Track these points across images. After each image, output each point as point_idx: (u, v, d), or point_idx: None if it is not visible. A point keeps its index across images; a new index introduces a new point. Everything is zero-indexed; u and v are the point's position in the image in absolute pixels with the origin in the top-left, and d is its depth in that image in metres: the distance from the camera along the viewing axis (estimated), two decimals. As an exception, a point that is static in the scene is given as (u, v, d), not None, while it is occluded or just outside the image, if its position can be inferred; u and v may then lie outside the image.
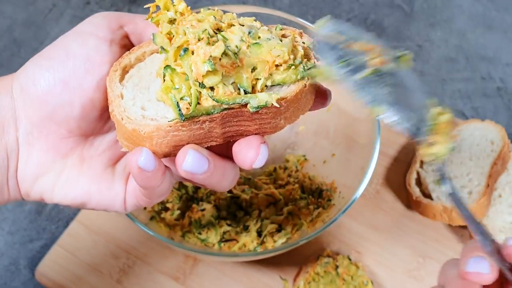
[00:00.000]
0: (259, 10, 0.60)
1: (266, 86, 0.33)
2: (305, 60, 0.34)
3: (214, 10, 0.34)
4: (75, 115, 0.34)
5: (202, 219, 0.58)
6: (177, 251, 0.62)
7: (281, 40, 0.33)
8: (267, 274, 0.61)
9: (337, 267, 0.58)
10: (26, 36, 0.85)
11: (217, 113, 0.32)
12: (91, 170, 0.36)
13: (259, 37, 0.33)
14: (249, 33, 0.33)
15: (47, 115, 0.33)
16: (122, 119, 0.32)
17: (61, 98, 0.33)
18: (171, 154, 0.33)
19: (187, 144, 0.32)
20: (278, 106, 0.32)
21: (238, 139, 0.33)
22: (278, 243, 0.57)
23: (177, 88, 0.32)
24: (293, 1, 0.92)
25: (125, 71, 0.35)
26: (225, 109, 0.32)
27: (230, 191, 0.60)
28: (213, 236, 0.57)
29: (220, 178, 0.34)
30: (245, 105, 0.32)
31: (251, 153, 0.32)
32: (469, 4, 0.90)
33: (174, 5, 0.34)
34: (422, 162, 0.66)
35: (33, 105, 0.33)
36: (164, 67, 0.32)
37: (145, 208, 0.58)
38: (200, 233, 0.58)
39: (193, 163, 0.31)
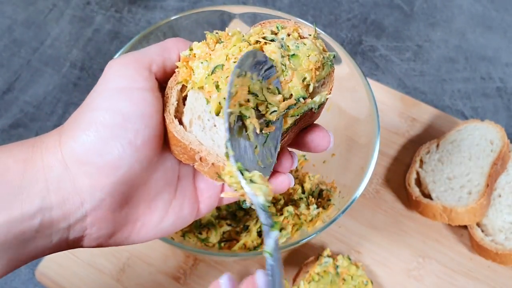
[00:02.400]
0: (259, 11, 0.60)
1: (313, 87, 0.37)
2: (322, 50, 0.37)
3: (236, 32, 0.36)
4: (146, 169, 0.35)
5: (202, 219, 0.58)
6: (177, 251, 0.62)
7: (304, 44, 0.36)
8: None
9: (337, 267, 0.58)
10: (26, 36, 0.85)
11: (293, 125, 0.36)
12: (161, 201, 0.37)
13: (288, 47, 0.36)
14: (282, 46, 0.35)
15: (121, 179, 0.33)
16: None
17: (131, 161, 0.33)
18: None
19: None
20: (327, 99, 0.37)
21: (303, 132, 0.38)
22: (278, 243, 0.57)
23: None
24: (293, 1, 0.92)
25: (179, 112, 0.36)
26: (297, 118, 0.36)
27: None
28: (213, 236, 0.57)
29: None
30: (310, 109, 0.36)
31: (327, 138, 0.38)
32: (469, 4, 0.91)
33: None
34: (421, 162, 0.67)
35: (102, 175, 0.33)
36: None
37: None
38: (200, 233, 0.58)
39: None
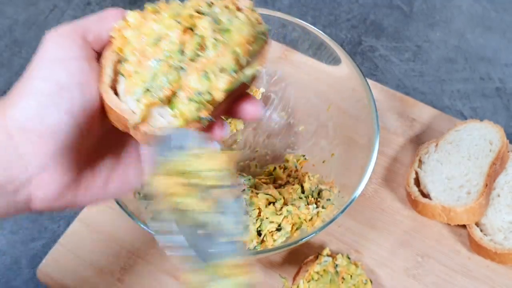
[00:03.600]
0: (258, 11, 0.60)
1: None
2: (257, 23, 0.37)
3: (173, 5, 0.36)
4: (86, 136, 0.36)
5: None
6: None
7: (237, 17, 0.36)
8: (267, 273, 0.61)
9: (336, 266, 0.59)
10: (27, 37, 0.85)
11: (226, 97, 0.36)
12: (104, 166, 0.38)
13: (220, 21, 0.36)
14: (214, 21, 0.35)
15: (61, 145, 0.35)
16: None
17: (69, 128, 0.34)
18: None
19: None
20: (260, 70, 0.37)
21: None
22: (277, 242, 0.57)
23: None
24: (293, 2, 0.92)
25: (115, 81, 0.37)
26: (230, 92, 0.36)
27: None
28: None
29: None
30: (242, 82, 0.36)
31: (257, 107, 0.39)
32: (468, 5, 0.91)
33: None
34: (420, 162, 0.67)
35: (41, 141, 0.34)
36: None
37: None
38: None
39: None
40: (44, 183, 0.35)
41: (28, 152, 0.34)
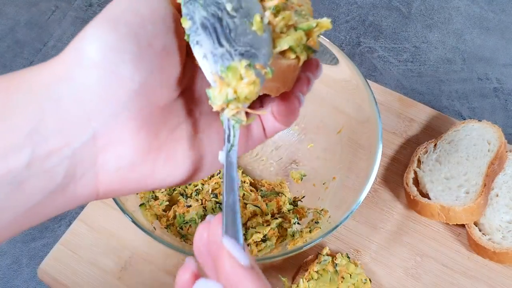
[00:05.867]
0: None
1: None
2: None
3: None
4: (166, 85, 0.30)
5: (187, 215, 0.58)
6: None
7: None
8: (266, 273, 0.61)
9: (336, 265, 0.59)
10: (29, 37, 0.86)
11: None
12: (185, 131, 0.32)
13: None
14: None
15: (137, 88, 0.28)
16: None
17: (151, 64, 0.28)
18: None
19: None
20: None
21: None
22: (261, 253, 0.56)
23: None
24: (292, 3, 0.92)
25: None
26: None
27: (215, 197, 0.60)
28: (193, 234, 0.57)
29: None
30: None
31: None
32: (466, 6, 0.91)
33: None
34: (419, 162, 0.67)
35: (118, 79, 0.27)
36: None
37: (137, 194, 0.58)
38: (181, 228, 0.57)
39: None
40: (114, 142, 0.27)
41: (93, 97, 0.26)
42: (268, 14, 0.31)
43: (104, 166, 0.28)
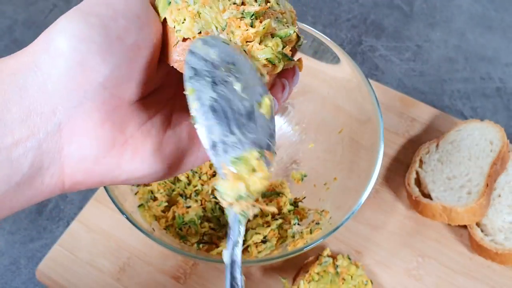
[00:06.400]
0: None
1: None
2: None
3: None
4: (134, 80, 0.29)
5: (186, 216, 0.58)
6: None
7: None
8: (267, 274, 0.61)
9: (337, 266, 0.59)
10: (26, 36, 0.85)
11: None
12: (153, 129, 0.31)
13: None
14: None
15: (103, 80, 0.27)
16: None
17: (119, 58, 0.27)
18: None
19: None
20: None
21: None
22: (261, 254, 0.56)
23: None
24: (293, 2, 0.92)
25: None
26: None
27: (215, 197, 0.60)
28: (192, 235, 0.57)
29: None
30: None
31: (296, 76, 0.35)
32: (469, 5, 0.91)
33: None
34: (421, 162, 0.67)
35: (84, 69, 0.27)
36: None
37: (135, 194, 0.57)
38: (181, 229, 0.57)
39: None
40: (78, 134, 0.27)
41: (58, 87, 0.26)
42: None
43: (69, 157, 0.28)
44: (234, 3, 0.31)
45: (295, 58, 0.35)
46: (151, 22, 0.29)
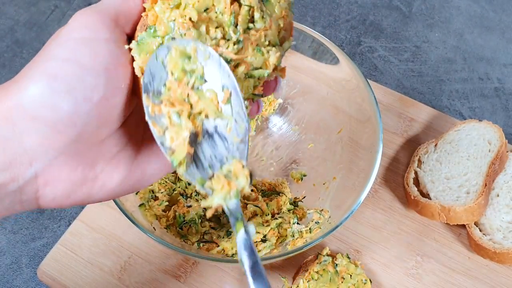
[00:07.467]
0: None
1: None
2: None
3: None
4: (105, 126, 0.32)
5: (187, 215, 0.58)
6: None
7: None
8: (267, 273, 0.61)
9: (336, 265, 0.59)
10: (28, 37, 0.86)
11: None
12: (123, 159, 0.34)
13: None
14: None
15: (74, 137, 0.30)
16: None
17: (86, 118, 0.30)
18: None
19: None
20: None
21: None
22: (261, 253, 0.56)
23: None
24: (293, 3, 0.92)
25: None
26: None
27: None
28: (193, 234, 0.57)
29: None
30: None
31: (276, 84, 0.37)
32: (467, 5, 0.91)
33: None
34: (420, 162, 0.67)
35: (52, 132, 0.30)
36: None
37: (136, 193, 0.58)
38: (181, 228, 0.57)
39: None
40: (53, 180, 0.31)
41: (33, 145, 0.29)
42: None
43: (43, 196, 0.32)
44: (215, 38, 0.32)
45: (282, 64, 0.36)
46: (119, 67, 0.31)
